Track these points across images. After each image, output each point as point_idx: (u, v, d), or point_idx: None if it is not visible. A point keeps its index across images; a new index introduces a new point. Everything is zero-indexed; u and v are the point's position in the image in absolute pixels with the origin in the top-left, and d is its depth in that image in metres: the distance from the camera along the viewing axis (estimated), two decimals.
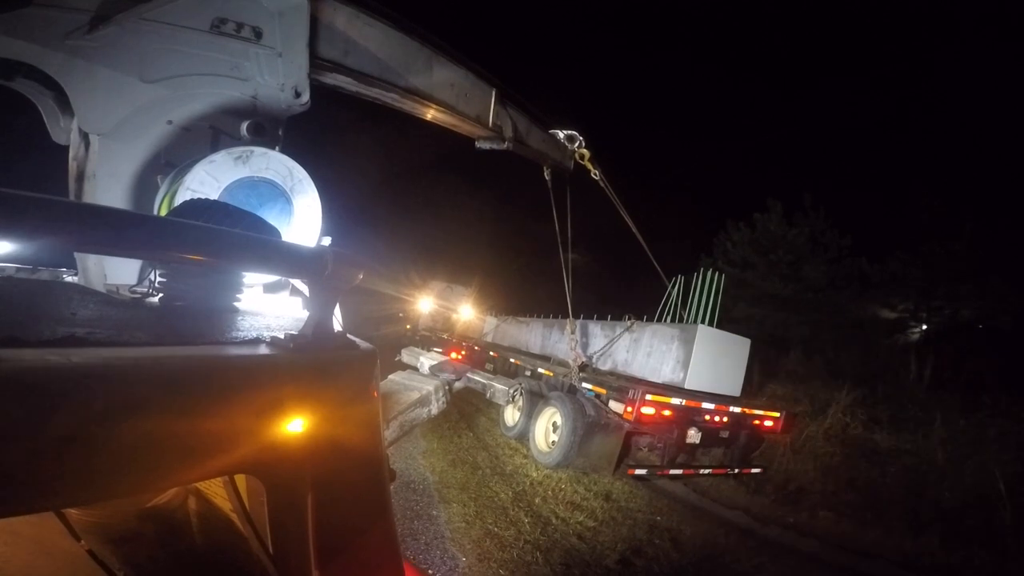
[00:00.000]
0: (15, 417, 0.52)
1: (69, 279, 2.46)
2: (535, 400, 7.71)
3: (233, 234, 0.85)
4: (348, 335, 0.96)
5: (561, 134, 5.84)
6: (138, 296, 1.54)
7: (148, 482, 0.68)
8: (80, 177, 2.50)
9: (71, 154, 2.59)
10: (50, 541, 1.21)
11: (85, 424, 0.57)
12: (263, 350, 0.83)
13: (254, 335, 0.95)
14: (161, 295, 1.32)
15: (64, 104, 2.50)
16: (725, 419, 6.87)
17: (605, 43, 47.84)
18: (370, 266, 0.91)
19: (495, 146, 4.62)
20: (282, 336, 0.85)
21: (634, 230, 7.25)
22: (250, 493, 1.03)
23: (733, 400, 7.26)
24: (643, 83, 46.48)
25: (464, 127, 4.29)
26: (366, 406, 0.93)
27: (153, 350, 0.71)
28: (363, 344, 0.96)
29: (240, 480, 1.04)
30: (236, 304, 1.36)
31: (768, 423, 7.37)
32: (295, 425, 0.77)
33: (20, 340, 0.63)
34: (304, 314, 0.95)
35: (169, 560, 1.25)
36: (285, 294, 2.23)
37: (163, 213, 1.89)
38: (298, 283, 2.01)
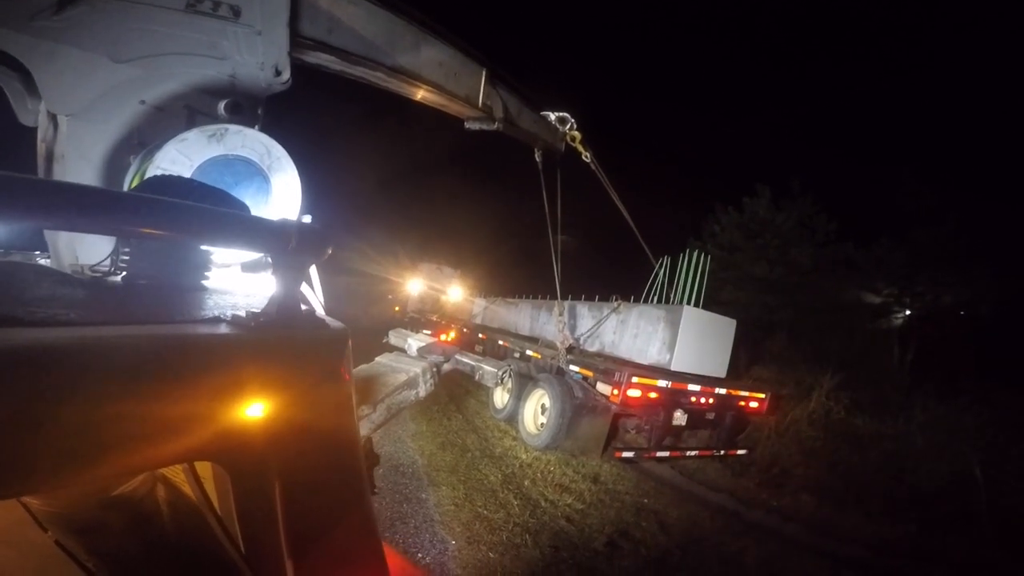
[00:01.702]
0: None
1: (43, 262, 2.39)
2: (524, 382, 7.70)
3: (190, 207, 0.80)
4: (318, 313, 0.92)
5: (552, 116, 5.78)
6: (99, 275, 1.48)
7: (97, 469, 0.64)
8: (49, 158, 2.41)
9: (39, 135, 2.50)
10: (16, 532, 1.18)
11: (25, 409, 0.53)
12: (222, 329, 0.79)
13: (215, 313, 0.91)
14: (124, 274, 1.27)
15: (31, 85, 2.40)
16: (711, 401, 6.91)
17: (597, 24, 47.37)
18: (341, 240, 0.87)
19: (485, 126, 4.55)
20: (243, 314, 0.81)
21: (623, 212, 7.24)
22: (216, 481, 0.99)
23: (719, 381, 7.29)
24: (634, 67, 46.18)
25: (453, 107, 4.21)
26: (336, 388, 0.89)
27: (102, 330, 0.67)
28: (333, 323, 0.92)
29: (206, 467, 1.00)
30: (204, 283, 1.31)
31: (753, 404, 7.44)
32: (258, 409, 0.73)
33: None
34: None
35: (137, 549, 1.21)
36: (266, 273, 2.17)
37: None
38: None
